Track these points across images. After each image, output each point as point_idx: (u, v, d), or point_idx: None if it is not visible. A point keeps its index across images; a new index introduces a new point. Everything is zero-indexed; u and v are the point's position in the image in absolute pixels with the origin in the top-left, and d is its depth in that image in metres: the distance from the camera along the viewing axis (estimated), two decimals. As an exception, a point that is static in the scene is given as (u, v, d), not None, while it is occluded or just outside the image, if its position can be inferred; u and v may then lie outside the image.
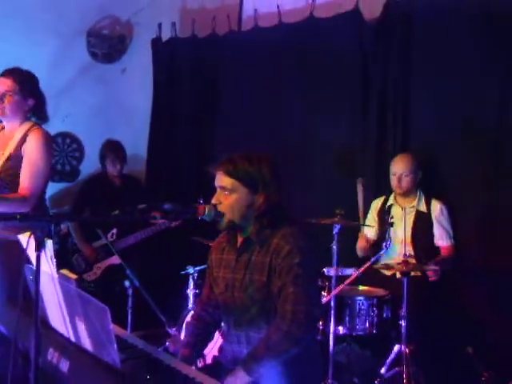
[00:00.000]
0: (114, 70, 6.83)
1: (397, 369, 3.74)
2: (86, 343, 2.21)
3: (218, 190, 2.61)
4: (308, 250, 2.53)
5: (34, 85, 3.69)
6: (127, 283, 4.28)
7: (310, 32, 5.13)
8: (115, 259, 5.11)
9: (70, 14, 6.45)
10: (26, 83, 3.59)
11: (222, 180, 2.59)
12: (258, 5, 5.70)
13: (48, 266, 2.27)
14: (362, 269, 3.61)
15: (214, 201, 2.60)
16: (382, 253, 3.63)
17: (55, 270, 2.29)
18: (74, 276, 2.26)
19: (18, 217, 2.26)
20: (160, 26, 6.53)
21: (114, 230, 5.30)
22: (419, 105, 4.55)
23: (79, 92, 6.55)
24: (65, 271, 2.33)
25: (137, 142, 6.58)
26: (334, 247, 3.67)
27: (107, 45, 6.71)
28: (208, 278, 2.87)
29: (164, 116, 6.54)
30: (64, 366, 2.26)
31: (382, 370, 3.83)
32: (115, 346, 2.06)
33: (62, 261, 5.75)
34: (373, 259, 3.68)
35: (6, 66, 3.74)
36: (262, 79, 5.51)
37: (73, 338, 2.31)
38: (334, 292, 3.60)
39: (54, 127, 6.47)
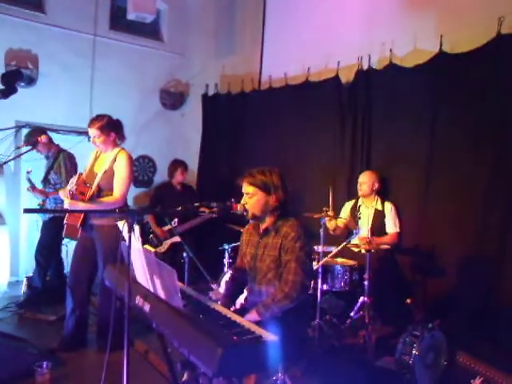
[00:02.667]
0: (176, 115, 6.92)
1: (361, 313, 3.77)
2: (161, 293, 2.26)
3: (245, 195, 2.66)
4: (305, 237, 2.57)
5: (110, 124, 3.65)
6: (185, 254, 4.33)
7: (306, 90, 5.18)
8: (177, 238, 5.18)
9: (149, 77, 6.56)
10: (104, 127, 3.60)
11: (246, 188, 2.65)
12: (272, 72, 5.73)
13: (136, 242, 2.33)
14: (340, 247, 3.64)
15: (242, 202, 2.66)
16: (353, 237, 3.66)
17: (141, 245, 2.35)
18: (152, 250, 2.32)
19: (117, 210, 2.34)
20: (207, 86, 6.62)
21: (176, 219, 5.34)
22: (378, 138, 4.55)
23: (154, 129, 6.66)
24: (147, 246, 2.38)
25: (191, 162, 6.62)
26: (321, 232, 3.70)
27: (173, 98, 6.80)
28: (240, 253, 2.93)
29: (209, 145, 6.61)
30: (147, 307, 2.30)
31: (352, 313, 3.86)
32: (179, 295, 2.11)
33: (142, 239, 5.86)
34: (347, 241, 3.71)
35: (108, 112, 3.75)
36: (273, 121, 5.55)
37: (152, 290, 2.36)
38: (321, 262, 3.63)
39: (137, 152, 6.63)
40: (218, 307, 2.34)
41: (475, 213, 3.80)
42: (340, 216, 4.46)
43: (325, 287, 3.84)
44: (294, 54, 5.47)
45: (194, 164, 6.74)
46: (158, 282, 2.27)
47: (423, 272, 4.15)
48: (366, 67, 4.60)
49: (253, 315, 2.46)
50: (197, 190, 6.44)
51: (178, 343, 2.02)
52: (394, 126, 4.37)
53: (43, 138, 4.55)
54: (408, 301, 3.80)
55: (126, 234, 2.25)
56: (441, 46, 4.03)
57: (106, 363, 2.20)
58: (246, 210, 2.64)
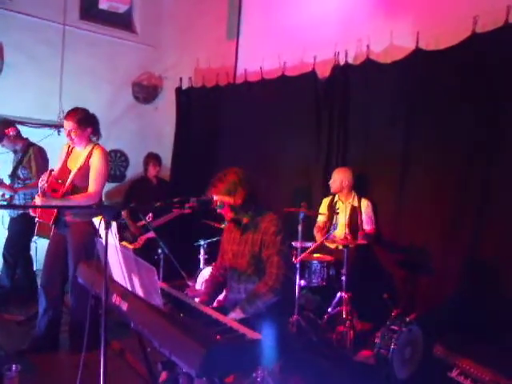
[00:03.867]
0: (149, 109, 6.79)
1: (338, 308, 3.77)
2: (139, 291, 2.19)
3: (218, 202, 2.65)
4: (284, 231, 2.58)
5: (87, 118, 3.54)
6: (159, 250, 4.25)
7: (282, 85, 5.13)
8: (152, 234, 5.07)
9: (121, 69, 6.41)
10: (81, 120, 3.47)
11: (216, 196, 2.61)
12: (247, 65, 5.65)
13: (113, 239, 2.25)
14: (318, 243, 3.62)
15: (218, 211, 2.66)
16: (330, 233, 3.64)
17: (118, 242, 2.27)
18: (131, 247, 2.24)
19: (94, 206, 2.25)
20: (181, 79, 6.48)
21: (150, 214, 5.23)
22: (354, 134, 4.56)
23: (126, 122, 6.52)
24: (124, 243, 2.31)
25: (164, 156, 6.50)
26: (300, 228, 3.67)
27: (145, 91, 6.66)
28: (220, 251, 2.89)
29: (182, 139, 6.49)
30: (124, 306, 2.23)
31: (329, 309, 3.86)
32: (159, 294, 2.04)
33: (119, 235, 5.72)
34: (324, 237, 3.69)
35: (79, 105, 3.62)
36: (249, 115, 5.47)
37: (129, 288, 2.28)
38: (299, 258, 3.60)
39: (109, 146, 6.37)
40: (199, 306, 2.29)
41: (451, 207, 3.84)
42: (319, 211, 4.46)
43: (302, 283, 3.82)
44: (271, 48, 5.40)
45: (167, 158, 6.61)
46: (136, 280, 2.19)
47: (401, 267, 4.18)
48: (342, 63, 4.59)
49: (237, 313, 2.42)
50: (170, 184, 6.33)
51: (158, 343, 1.96)
52: (371, 122, 4.38)
53: (11, 131, 4.37)
54: (385, 295, 3.83)
55: (102, 231, 2.16)
56: (417, 42, 4.05)
57: (82, 363, 2.12)
58: (224, 207, 2.62)
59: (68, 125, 3.45)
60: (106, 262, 2.18)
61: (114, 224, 2.21)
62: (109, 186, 6.46)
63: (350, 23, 4.73)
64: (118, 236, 2.28)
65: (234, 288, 2.68)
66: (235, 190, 2.60)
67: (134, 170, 6.48)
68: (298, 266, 3.63)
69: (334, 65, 4.64)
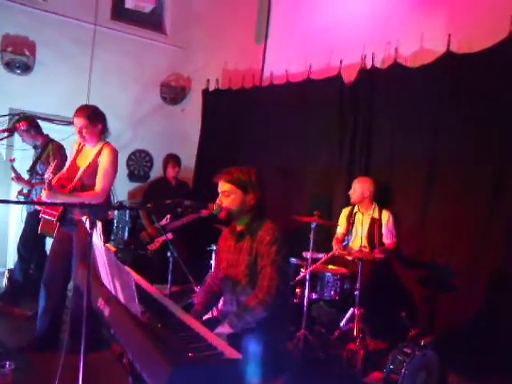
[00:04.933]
0: (176, 110, 6.71)
1: (351, 324, 3.52)
2: (121, 297, 2.05)
3: (220, 193, 2.44)
4: (282, 241, 2.33)
5: (97, 114, 3.42)
6: (169, 253, 4.11)
7: (307, 88, 4.95)
8: (169, 236, 4.95)
9: (150, 69, 6.36)
10: (92, 116, 3.35)
11: (222, 186, 2.43)
12: (273, 68, 5.51)
13: (98, 240, 2.11)
14: (330, 254, 3.38)
15: (218, 201, 2.43)
16: (344, 244, 3.40)
17: (102, 243, 2.13)
18: (113, 249, 2.10)
19: (78, 204, 2.11)
20: (208, 81, 6.39)
21: (168, 216, 5.12)
22: (378, 143, 4.32)
23: (152, 123, 6.47)
24: (108, 245, 2.17)
25: (189, 157, 6.44)
26: (311, 237, 3.45)
27: (173, 92, 6.59)
28: (216, 260, 2.71)
29: (208, 140, 6.38)
30: (106, 311, 2.09)
31: (341, 324, 3.62)
32: (136, 301, 1.88)
33: (134, 236, 5.65)
34: (336, 249, 3.44)
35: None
36: (274, 118, 5.31)
37: (113, 292, 2.14)
38: (309, 269, 3.38)
39: (134, 146, 6.44)
40: (184, 316, 2.10)
41: (478, 222, 3.56)
42: (339, 222, 4.23)
43: (314, 296, 3.59)
44: (298, 51, 5.24)
45: (191, 161, 6.52)
46: (117, 284, 2.05)
47: (421, 284, 3.90)
48: (369, 66, 4.35)
49: (225, 327, 2.24)
50: (193, 187, 6.22)
51: (131, 355, 1.80)
52: (396, 130, 4.14)
53: (22, 125, 4.32)
54: (403, 314, 3.56)
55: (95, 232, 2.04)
56: (448, 45, 3.79)
57: (61, 365, 1.99)
58: (221, 211, 2.41)
59: (78, 121, 3.36)
60: (89, 263, 2.06)
61: (99, 224, 2.08)
62: (132, 186, 6.44)
63: (379, 26, 4.50)
64: (102, 237, 2.14)
65: (228, 299, 2.49)
66: (253, 188, 2.40)
67: (158, 170, 6.38)
68: (308, 277, 3.39)
69: (360, 68, 4.41)
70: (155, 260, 5.27)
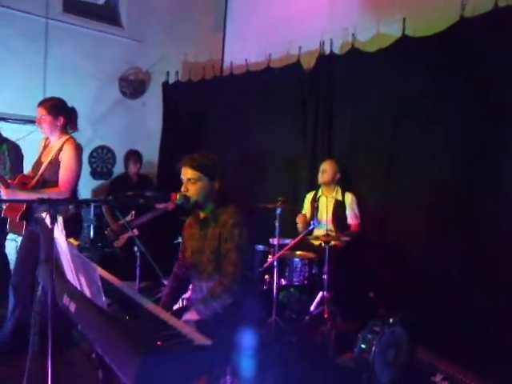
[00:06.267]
0: (137, 104, 6.56)
1: (320, 308, 3.55)
2: (86, 291, 1.99)
3: (185, 180, 2.40)
4: (245, 225, 2.32)
5: (60, 106, 3.33)
6: (135, 248, 4.03)
7: (267, 77, 4.94)
8: (134, 232, 4.85)
9: (108, 64, 6.19)
10: (53, 107, 3.27)
11: (188, 173, 2.39)
12: (233, 58, 5.47)
13: (60, 235, 2.05)
14: (296, 240, 3.39)
15: (182, 189, 2.40)
16: (309, 228, 3.40)
17: (64, 238, 2.06)
18: (76, 243, 2.04)
19: (37, 200, 2.04)
20: (168, 73, 6.28)
21: (133, 212, 5.03)
22: (339, 127, 4.36)
23: (113, 118, 6.29)
24: (70, 240, 2.10)
25: (152, 152, 6.33)
26: (277, 224, 3.45)
27: (132, 86, 6.44)
28: (181, 248, 2.66)
29: (169, 134, 6.28)
30: (72, 307, 2.03)
31: (311, 308, 3.64)
32: (102, 294, 1.83)
33: (99, 234, 5.53)
34: (304, 233, 3.44)
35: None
36: (235, 108, 5.28)
37: (78, 287, 2.08)
38: (276, 255, 3.39)
39: (95, 142, 6.28)
40: (151, 307, 2.07)
41: (439, 202, 3.63)
42: (303, 208, 4.25)
43: (284, 282, 3.60)
44: (257, 40, 5.22)
45: (155, 155, 6.42)
46: (82, 278, 1.99)
47: (387, 264, 3.97)
48: (328, 52, 4.37)
49: (192, 314, 2.21)
50: (157, 182, 6.12)
51: (100, 349, 1.76)
52: (356, 114, 4.18)
53: None
54: (371, 294, 3.62)
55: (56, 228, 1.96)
56: (404, 29, 3.83)
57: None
58: (187, 199, 2.38)
59: (39, 112, 3.29)
60: (52, 259, 1.99)
61: (60, 219, 2.01)
62: (96, 184, 6.28)
63: (336, 12, 4.54)
64: (64, 232, 2.07)
65: (196, 287, 2.47)
66: (217, 173, 2.37)
67: (122, 166, 6.24)
68: (276, 263, 3.40)
69: (318, 55, 4.42)
70: (122, 257, 5.17)
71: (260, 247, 3.66)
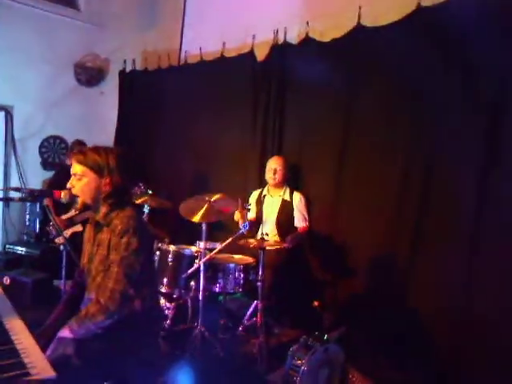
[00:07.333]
0: (95, 93, 6.18)
1: (254, 319, 3.22)
2: None
3: (72, 176, 2.06)
4: (140, 233, 1.94)
5: None
6: (62, 247, 3.68)
7: (221, 67, 4.60)
8: (78, 227, 4.50)
9: (63, 48, 5.80)
10: None
11: (75, 168, 2.04)
12: (191, 47, 5.12)
13: None
14: (225, 244, 3.02)
15: (68, 185, 2.05)
16: (241, 231, 3.05)
17: None
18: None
19: None
20: (125, 61, 5.92)
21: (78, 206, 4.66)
22: (290, 121, 4.03)
23: (68, 107, 5.90)
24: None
25: (109, 142, 5.94)
26: (203, 226, 3.10)
27: (89, 74, 6.06)
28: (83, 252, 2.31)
29: (125, 124, 5.93)
30: None
31: (245, 319, 3.32)
32: None
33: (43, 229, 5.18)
34: (234, 237, 3.07)
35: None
36: (189, 98, 4.93)
37: None
38: (202, 260, 3.04)
39: (47, 131, 5.89)
40: (11, 324, 1.72)
41: (388, 208, 3.35)
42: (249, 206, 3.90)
43: (217, 289, 3.25)
44: (213, 29, 4.86)
45: (110, 144, 6.03)
46: None
47: (333, 271, 3.67)
48: (282, 42, 4.04)
49: (65, 331, 1.87)
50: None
51: None
52: (308, 107, 3.85)
53: None
54: (315, 303, 3.30)
55: None
56: (359, 18, 3.51)
57: None
58: (73, 197, 2.04)
59: None
60: None
61: None
62: (47, 175, 5.89)
63: (293, 1, 4.18)
64: None
65: (85, 299, 2.12)
66: (110, 172, 2.02)
67: (75, 157, 5.91)
68: (202, 268, 3.05)
69: (272, 44, 4.08)
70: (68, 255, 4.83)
71: (187, 251, 3.31)
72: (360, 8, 3.50)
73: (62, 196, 2.04)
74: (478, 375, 2.77)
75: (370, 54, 3.43)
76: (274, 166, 3.77)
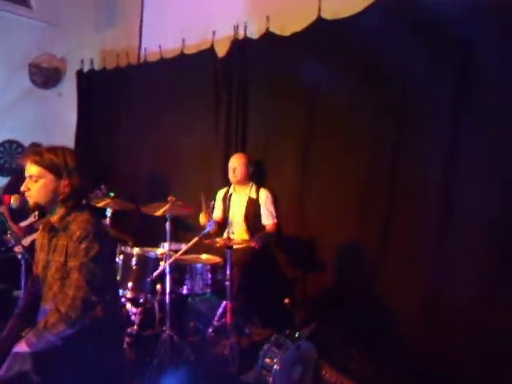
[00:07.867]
0: (52, 94, 5.95)
1: (223, 320, 3.13)
2: None
3: (27, 178, 1.92)
4: (99, 238, 1.85)
5: None
6: (19, 256, 3.49)
7: (181, 65, 4.50)
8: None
9: (15, 49, 5.54)
10: None
11: (30, 169, 1.91)
12: (150, 45, 4.98)
13: None
14: (190, 244, 2.91)
15: (22, 188, 1.92)
16: (206, 230, 2.97)
17: None
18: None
19: None
20: (82, 61, 5.73)
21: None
22: (253, 117, 3.96)
23: (23, 109, 5.65)
24: None
25: (68, 144, 5.60)
26: (167, 227, 2.99)
27: (45, 75, 5.82)
28: (35, 260, 2.17)
29: (85, 126, 5.73)
30: None
31: (215, 320, 3.22)
32: None
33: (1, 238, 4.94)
34: (199, 236, 2.98)
35: None
36: (149, 97, 4.81)
37: None
38: (168, 262, 2.93)
39: (2, 135, 5.63)
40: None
41: (356, 202, 3.32)
42: (215, 206, 3.82)
43: (185, 291, 3.15)
44: (174, 25, 4.73)
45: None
46: None
47: (303, 267, 3.63)
48: (242, 37, 3.96)
49: (21, 346, 1.74)
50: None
51: None
52: (271, 102, 3.77)
53: None
54: (286, 301, 3.24)
55: None
56: (319, 11, 3.47)
57: None
58: (25, 201, 1.91)
59: None
60: None
61: None
62: (4, 181, 5.64)
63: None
64: None
65: (41, 309, 1.99)
66: (69, 173, 1.90)
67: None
68: (168, 270, 2.94)
69: (232, 40, 4.00)
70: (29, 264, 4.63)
71: (151, 254, 3.20)
72: (320, 1, 3.46)
73: (12, 201, 1.91)
74: (449, 362, 2.78)
75: (332, 47, 3.39)
76: (232, 165, 3.73)
